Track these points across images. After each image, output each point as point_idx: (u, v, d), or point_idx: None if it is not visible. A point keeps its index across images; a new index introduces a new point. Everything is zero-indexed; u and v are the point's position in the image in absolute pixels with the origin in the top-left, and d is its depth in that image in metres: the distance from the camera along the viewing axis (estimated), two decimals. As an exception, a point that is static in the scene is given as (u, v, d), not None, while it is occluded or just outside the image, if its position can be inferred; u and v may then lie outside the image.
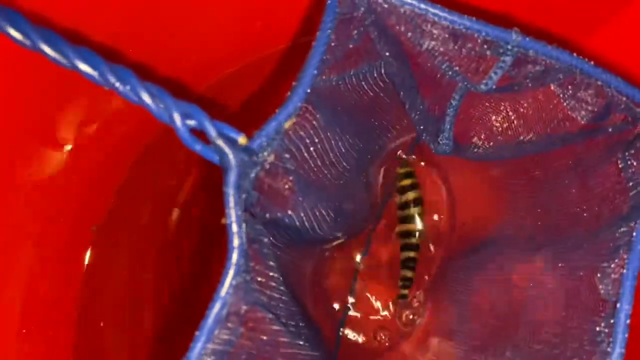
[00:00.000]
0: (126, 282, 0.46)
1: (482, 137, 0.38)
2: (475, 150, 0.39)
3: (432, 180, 0.49)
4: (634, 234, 0.30)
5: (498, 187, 0.42)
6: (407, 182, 0.47)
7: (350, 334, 0.49)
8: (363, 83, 0.35)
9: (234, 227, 0.27)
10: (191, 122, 0.27)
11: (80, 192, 0.44)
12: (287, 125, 0.29)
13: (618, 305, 0.29)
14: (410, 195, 0.47)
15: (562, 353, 0.32)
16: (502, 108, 0.36)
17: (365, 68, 0.34)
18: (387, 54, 0.33)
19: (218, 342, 0.27)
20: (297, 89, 0.29)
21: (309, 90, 0.29)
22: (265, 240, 0.30)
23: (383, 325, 0.50)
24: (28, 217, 0.40)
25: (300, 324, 0.35)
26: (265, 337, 0.30)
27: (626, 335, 0.29)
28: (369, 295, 0.50)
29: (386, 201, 0.50)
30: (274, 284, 0.32)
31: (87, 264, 0.44)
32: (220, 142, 0.27)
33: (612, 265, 0.30)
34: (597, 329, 0.30)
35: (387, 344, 0.49)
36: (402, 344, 0.47)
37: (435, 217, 0.49)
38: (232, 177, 0.27)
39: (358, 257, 0.50)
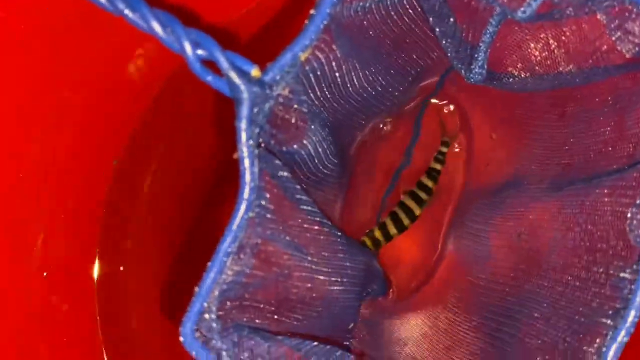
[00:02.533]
0: (146, 217, 0.47)
1: (519, 66, 0.36)
2: (511, 79, 0.36)
3: (456, 120, 0.47)
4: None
5: (526, 124, 0.40)
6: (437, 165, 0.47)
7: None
8: (389, 10, 0.32)
9: (246, 163, 0.27)
10: (202, 52, 0.26)
11: (101, 126, 0.44)
12: (303, 57, 0.28)
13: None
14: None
15: (583, 296, 0.31)
16: (542, 36, 0.33)
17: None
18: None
19: (230, 272, 0.28)
20: (314, 17, 0.27)
21: (327, 20, 0.27)
22: (285, 174, 0.30)
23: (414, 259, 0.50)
24: (49, 153, 0.40)
25: (328, 253, 0.35)
26: (278, 269, 0.30)
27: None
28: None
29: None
30: (300, 212, 0.32)
31: (107, 201, 0.45)
32: (232, 74, 0.26)
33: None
34: (621, 274, 0.29)
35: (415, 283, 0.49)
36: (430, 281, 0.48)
37: (457, 148, 0.48)
38: (244, 111, 0.26)
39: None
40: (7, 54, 0.35)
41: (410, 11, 0.34)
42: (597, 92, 0.34)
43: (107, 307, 0.45)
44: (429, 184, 0.48)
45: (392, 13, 0.33)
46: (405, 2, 0.33)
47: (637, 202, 0.29)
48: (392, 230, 0.48)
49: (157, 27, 0.26)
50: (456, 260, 0.45)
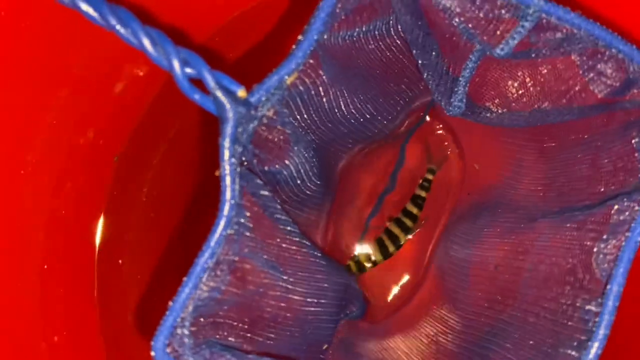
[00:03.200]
0: (146, 218, 0.47)
1: (496, 101, 0.37)
2: (488, 114, 0.38)
3: (445, 144, 0.49)
4: (636, 216, 0.29)
5: (506, 156, 0.41)
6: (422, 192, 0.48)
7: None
8: (375, 40, 0.34)
9: (227, 180, 0.27)
10: (190, 71, 0.27)
11: (103, 123, 0.44)
12: (289, 80, 0.28)
13: (608, 286, 0.29)
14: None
15: (552, 327, 0.32)
16: (519, 74, 0.35)
17: (378, 24, 0.33)
18: (402, 10, 0.32)
19: (206, 288, 0.28)
20: (302, 43, 0.28)
21: (314, 46, 0.28)
22: (266, 193, 0.31)
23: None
24: (50, 149, 0.40)
25: (305, 274, 0.35)
26: (253, 287, 0.31)
27: (612, 318, 0.29)
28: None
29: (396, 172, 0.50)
30: (278, 231, 0.33)
31: (107, 196, 0.46)
32: (218, 94, 0.27)
33: (609, 246, 0.30)
34: (587, 307, 0.30)
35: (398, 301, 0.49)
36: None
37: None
38: (228, 130, 0.27)
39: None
40: (8, 53, 0.36)
41: (397, 42, 0.35)
42: (574, 130, 0.35)
43: (106, 299, 0.45)
44: (414, 211, 0.48)
45: (379, 43, 0.34)
46: (391, 32, 0.34)
47: (604, 237, 0.30)
48: (378, 256, 0.48)
49: (147, 44, 0.27)
50: (436, 286, 0.46)
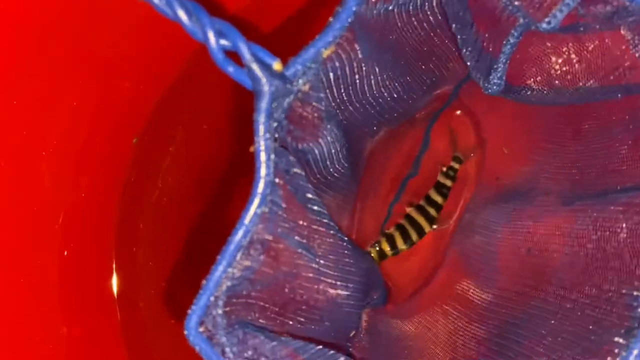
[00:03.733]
0: (163, 202, 0.47)
1: (538, 79, 0.36)
2: (529, 92, 0.36)
3: (468, 128, 0.47)
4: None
5: (539, 139, 0.40)
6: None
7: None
8: (410, 15, 0.32)
9: (262, 156, 0.26)
10: (225, 42, 0.26)
11: (122, 104, 0.44)
12: (325, 53, 0.27)
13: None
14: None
15: (594, 314, 0.31)
16: (564, 50, 0.33)
17: (414, -3, 0.31)
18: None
19: (239, 267, 0.27)
20: (339, 14, 0.27)
21: (352, 18, 0.27)
22: (298, 171, 0.30)
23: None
24: (69, 131, 0.40)
25: (334, 257, 0.35)
26: (286, 268, 0.30)
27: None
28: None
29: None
30: (310, 213, 0.32)
31: (125, 179, 0.45)
32: (254, 66, 0.26)
33: None
34: (635, 293, 0.29)
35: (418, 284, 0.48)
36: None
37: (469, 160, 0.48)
38: (263, 104, 0.26)
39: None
40: (32, 35, 0.35)
41: (431, 18, 0.34)
42: (615, 111, 0.34)
43: (123, 286, 0.45)
44: (439, 200, 0.47)
45: (414, 18, 0.33)
46: (428, 7, 0.33)
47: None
48: (401, 245, 0.47)
49: (182, 14, 0.26)
50: (457, 270, 0.45)
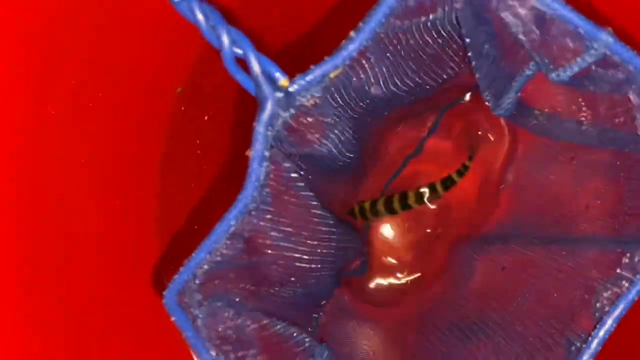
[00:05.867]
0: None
1: (546, 110, 0.37)
2: (535, 122, 0.37)
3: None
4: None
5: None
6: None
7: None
8: (427, 32, 0.33)
9: (255, 164, 0.29)
10: (238, 50, 0.28)
11: (165, 55, 0.44)
12: (332, 75, 0.29)
13: (596, 330, 0.30)
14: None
15: (536, 344, 0.34)
16: (576, 97, 0.34)
17: (432, 18, 0.32)
18: (469, 13, 0.31)
19: (220, 254, 0.31)
20: (353, 41, 0.28)
21: (367, 43, 0.28)
22: (294, 175, 0.32)
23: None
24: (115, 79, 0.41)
25: (315, 242, 0.37)
26: (264, 257, 0.33)
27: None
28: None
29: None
30: (293, 203, 0.34)
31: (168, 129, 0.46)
32: (260, 79, 0.28)
33: (612, 290, 0.31)
34: (573, 339, 0.32)
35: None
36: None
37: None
38: (264, 116, 0.28)
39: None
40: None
41: (446, 36, 0.34)
42: (605, 153, 0.35)
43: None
44: (440, 189, 0.49)
45: (428, 36, 0.34)
46: (446, 28, 0.33)
47: (609, 280, 0.31)
48: (380, 208, 0.49)
49: (201, 19, 0.27)
50: (445, 274, 0.47)
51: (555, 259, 0.35)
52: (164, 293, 0.31)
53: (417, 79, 0.39)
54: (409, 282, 0.49)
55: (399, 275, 0.50)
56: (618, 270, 0.31)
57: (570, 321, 0.32)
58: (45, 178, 0.38)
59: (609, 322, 0.30)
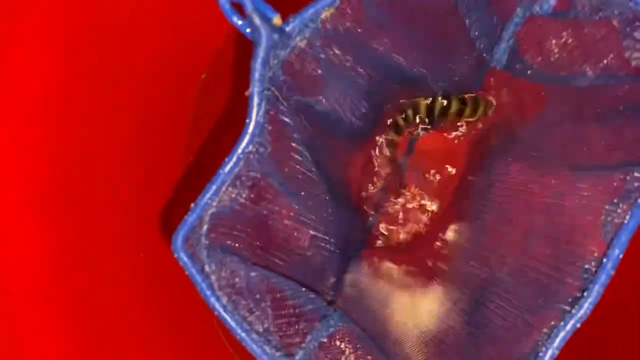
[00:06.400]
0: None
1: (539, 59, 0.38)
2: (528, 70, 0.38)
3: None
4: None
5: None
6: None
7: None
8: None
9: (255, 99, 0.30)
10: (233, -5, 0.30)
11: (189, 43, 0.47)
12: (324, 15, 0.30)
13: (609, 250, 0.30)
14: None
15: (548, 282, 0.33)
16: (562, 33, 0.35)
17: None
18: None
19: (226, 197, 0.31)
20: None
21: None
22: (288, 120, 0.33)
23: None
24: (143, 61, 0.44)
25: (323, 203, 0.38)
26: (269, 205, 0.33)
27: (608, 278, 0.30)
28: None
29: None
30: (295, 160, 0.35)
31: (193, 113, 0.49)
32: (254, 17, 0.29)
33: (619, 210, 0.31)
34: (586, 266, 0.31)
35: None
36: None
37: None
38: (260, 53, 0.30)
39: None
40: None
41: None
42: (606, 95, 0.35)
43: None
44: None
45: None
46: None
47: (615, 200, 0.31)
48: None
49: (196, -35, 0.29)
50: (454, 231, 0.46)
51: (570, 182, 0.35)
52: (173, 237, 0.31)
53: (425, 56, 0.40)
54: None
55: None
56: (626, 187, 0.31)
57: (581, 246, 0.32)
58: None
59: (623, 239, 0.30)
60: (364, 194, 0.46)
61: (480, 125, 0.46)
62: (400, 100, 0.44)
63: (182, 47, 0.46)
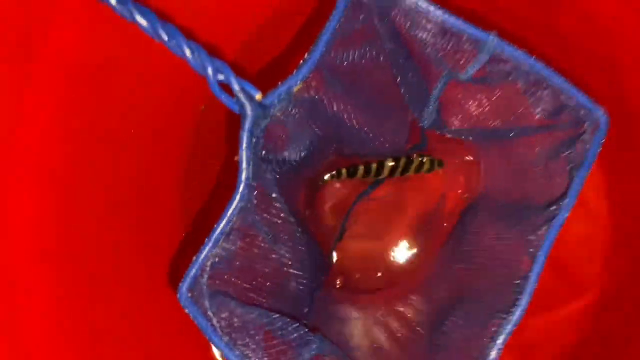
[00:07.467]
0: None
1: (460, 117, 0.46)
2: (452, 128, 0.46)
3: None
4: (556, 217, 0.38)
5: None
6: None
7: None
8: (368, 62, 0.42)
9: (244, 164, 0.35)
10: (220, 77, 0.35)
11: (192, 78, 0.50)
12: (295, 89, 0.37)
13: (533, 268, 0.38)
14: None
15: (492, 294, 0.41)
16: (478, 96, 0.43)
17: (369, 48, 0.41)
18: (387, 37, 0.40)
19: (222, 248, 0.36)
20: (307, 61, 0.36)
21: (317, 64, 0.36)
22: (269, 176, 0.39)
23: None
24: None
25: (296, 242, 0.43)
26: (256, 251, 0.39)
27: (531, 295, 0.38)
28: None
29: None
30: (274, 209, 0.41)
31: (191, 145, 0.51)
32: (241, 96, 0.35)
33: (536, 237, 0.39)
34: (517, 281, 0.39)
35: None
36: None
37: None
38: (247, 124, 0.35)
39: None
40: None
41: (385, 67, 0.43)
42: (524, 146, 0.44)
43: None
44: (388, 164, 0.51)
45: (372, 65, 0.42)
46: (381, 57, 0.42)
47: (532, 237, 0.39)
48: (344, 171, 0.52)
49: (188, 53, 0.35)
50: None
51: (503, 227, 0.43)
52: (178, 288, 0.35)
53: (382, 120, 0.48)
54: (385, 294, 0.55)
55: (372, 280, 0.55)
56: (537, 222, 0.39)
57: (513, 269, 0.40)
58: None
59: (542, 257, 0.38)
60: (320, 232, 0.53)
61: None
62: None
63: (181, 81, 0.47)
